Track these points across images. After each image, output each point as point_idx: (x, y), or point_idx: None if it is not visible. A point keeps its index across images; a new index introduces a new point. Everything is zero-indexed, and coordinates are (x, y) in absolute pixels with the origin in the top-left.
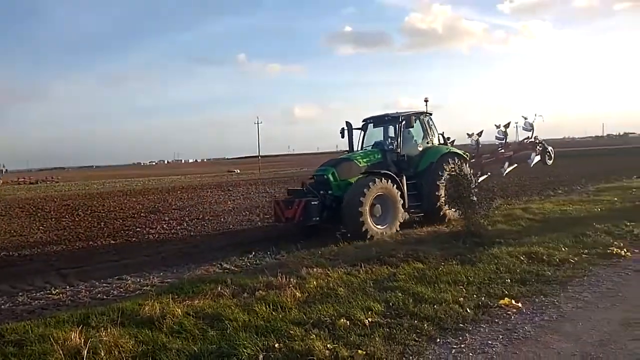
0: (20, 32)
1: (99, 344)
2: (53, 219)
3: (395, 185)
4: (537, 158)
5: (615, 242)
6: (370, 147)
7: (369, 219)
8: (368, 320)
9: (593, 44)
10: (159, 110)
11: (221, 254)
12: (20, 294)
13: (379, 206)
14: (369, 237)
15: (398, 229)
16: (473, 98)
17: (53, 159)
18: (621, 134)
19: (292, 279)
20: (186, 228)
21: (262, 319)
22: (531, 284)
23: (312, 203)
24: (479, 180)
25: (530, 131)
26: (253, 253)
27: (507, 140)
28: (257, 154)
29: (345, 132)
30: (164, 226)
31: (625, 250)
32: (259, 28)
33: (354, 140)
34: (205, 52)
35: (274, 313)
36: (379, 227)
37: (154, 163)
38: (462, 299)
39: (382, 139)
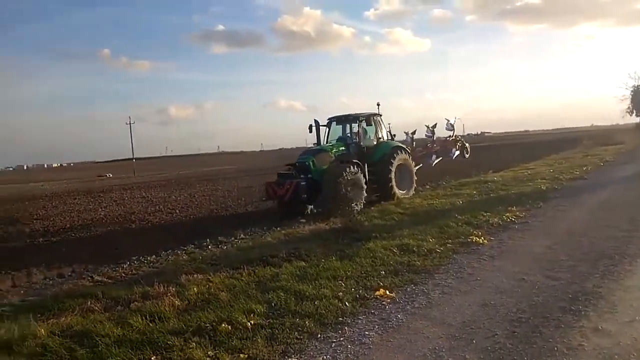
0: None
1: None
2: None
3: (360, 171)
4: (457, 152)
5: (474, 232)
6: (335, 141)
7: (346, 197)
8: (250, 323)
9: (449, 51)
10: (10, 109)
11: (92, 266)
12: None
13: (350, 188)
14: (345, 211)
15: (363, 205)
16: (348, 100)
17: None
18: (479, 133)
19: (170, 288)
20: (50, 239)
21: (138, 331)
22: (403, 274)
23: (302, 184)
24: (415, 170)
25: (451, 131)
26: (128, 262)
27: (434, 138)
28: (132, 157)
29: (313, 128)
30: (25, 238)
31: (482, 238)
32: (124, 22)
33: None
34: (64, 46)
35: (150, 324)
36: (352, 204)
37: (11, 169)
38: (341, 293)
39: (342, 134)
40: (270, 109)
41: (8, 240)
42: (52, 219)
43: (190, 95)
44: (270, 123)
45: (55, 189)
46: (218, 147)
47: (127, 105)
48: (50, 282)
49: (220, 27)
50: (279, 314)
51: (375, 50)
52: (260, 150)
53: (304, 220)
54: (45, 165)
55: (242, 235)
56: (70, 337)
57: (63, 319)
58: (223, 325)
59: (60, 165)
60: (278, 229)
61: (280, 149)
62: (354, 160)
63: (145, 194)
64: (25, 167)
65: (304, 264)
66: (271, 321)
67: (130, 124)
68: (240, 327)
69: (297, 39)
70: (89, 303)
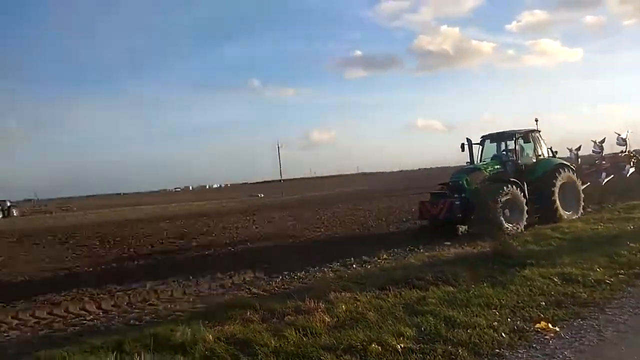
0: (34, 65)
1: None
2: (85, 247)
3: (519, 190)
4: (632, 169)
5: None
6: (489, 159)
7: (502, 218)
8: (400, 346)
9: (605, 60)
10: (177, 137)
11: (249, 278)
12: (56, 320)
13: (507, 208)
14: (501, 233)
15: (523, 229)
16: (491, 116)
17: (83, 187)
18: None
19: (320, 304)
20: (213, 254)
21: (293, 344)
22: (567, 306)
23: (456, 203)
24: (582, 189)
25: (624, 146)
26: (280, 277)
27: (603, 154)
28: (279, 178)
29: (466, 146)
30: (192, 251)
31: None
32: (273, 54)
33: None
34: (216, 80)
35: (304, 338)
36: (509, 225)
37: (179, 189)
38: (496, 323)
39: (497, 152)
40: (408, 129)
41: (179, 252)
42: (214, 235)
43: (331, 119)
44: (409, 143)
45: (216, 208)
46: (357, 167)
47: (275, 130)
48: (214, 292)
49: (358, 53)
50: (430, 339)
51: (520, 62)
52: (400, 170)
53: (448, 243)
54: (207, 186)
55: (384, 256)
56: (233, 344)
57: (227, 326)
58: (373, 345)
59: (219, 186)
60: (421, 250)
61: (418, 169)
62: (512, 179)
63: (293, 213)
64: (190, 188)
65: (452, 288)
66: (422, 346)
67: (278, 147)
68: (390, 349)
69: (434, 58)
70: (248, 313)
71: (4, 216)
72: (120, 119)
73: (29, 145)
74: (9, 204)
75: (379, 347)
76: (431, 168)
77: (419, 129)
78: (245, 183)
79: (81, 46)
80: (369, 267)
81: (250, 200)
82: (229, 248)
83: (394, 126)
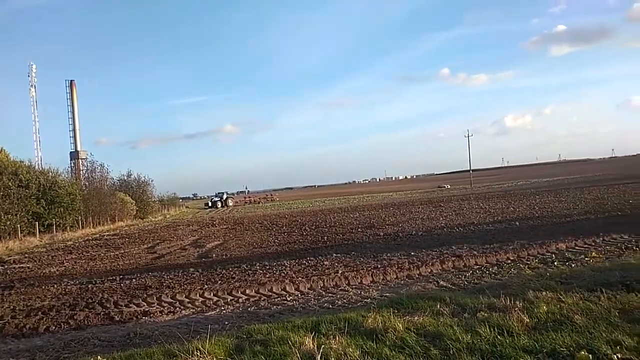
0: (257, 77)
1: (330, 350)
2: (285, 233)
3: None
4: None
5: None
6: None
7: None
8: (617, 356)
9: None
10: (367, 131)
11: (436, 271)
12: (262, 298)
13: None
14: None
15: None
16: None
17: (283, 179)
18: None
19: (517, 302)
20: (400, 243)
21: (487, 342)
22: None
23: None
24: None
25: None
26: (470, 271)
27: None
28: (468, 168)
29: None
30: (380, 241)
31: None
32: (460, 41)
33: None
34: (407, 71)
35: (499, 337)
36: None
37: (367, 181)
38: None
39: None
40: (624, 109)
41: (367, 241)
42: (401, 225)
43: (528, 103)
44: (624, 125)
45: (402, 199)
46: (559, 155)
47: (463, 120)
48: (401, 282)
49: (561, 27)
50: None
51: None
52: (611, 157)
53: None
54: (393, 178)
55: (594, 254)
56: (424, 336)
57: (416, 317)
58: (582, 352)
59: (405, 177)
60: None
61: (637, 154)
62: None
63: (483, 204)
64: (377, 180)
65: None
66: None
67: (468, 136)
68: (605, 358)
69: None
70: (438, 306)
71: (222, 205)
72: (318, 117)
73: (242, 145)
74: (225, 195)
75: (590, 355)
76: None
77: (637, 108)
78: (432, 174)
79: (290, 55)
80: (573, 265)
81: (437, 192)
82: (415, 239)
83: (605, 106)
